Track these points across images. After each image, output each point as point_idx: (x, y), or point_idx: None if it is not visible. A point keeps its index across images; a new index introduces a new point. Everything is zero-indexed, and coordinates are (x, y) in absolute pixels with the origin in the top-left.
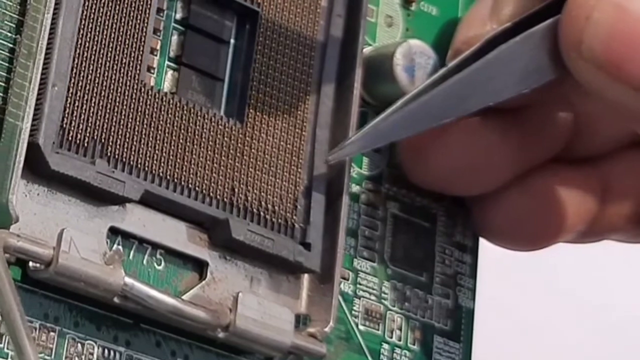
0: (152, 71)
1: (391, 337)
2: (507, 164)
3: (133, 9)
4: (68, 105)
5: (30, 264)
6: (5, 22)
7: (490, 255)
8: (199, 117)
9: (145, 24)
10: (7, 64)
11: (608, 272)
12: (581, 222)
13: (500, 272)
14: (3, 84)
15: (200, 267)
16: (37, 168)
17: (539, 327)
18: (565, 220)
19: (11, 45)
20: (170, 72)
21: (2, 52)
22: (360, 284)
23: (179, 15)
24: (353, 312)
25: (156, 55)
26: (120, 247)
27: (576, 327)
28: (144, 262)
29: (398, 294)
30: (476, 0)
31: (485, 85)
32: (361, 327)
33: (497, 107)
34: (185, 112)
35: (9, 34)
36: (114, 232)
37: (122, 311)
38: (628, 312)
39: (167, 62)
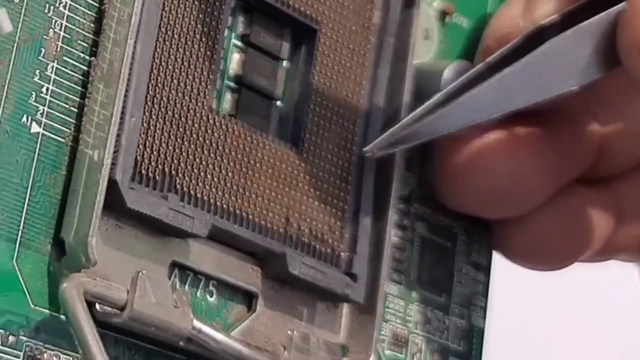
0: (216, 94)
1: None
2: (543, 186)
3: (205, 27)
4: (142, 136)
5: (98, 306)
6: (79, 41)
7: (501, 273)
8: (258, 142)
9: (215, 44)
10: (80, 88)
11: (622, 291)
12: (599, 242)
13: (511, 290)
14: (76, 110)
15: (249, 299)
16: (111, 204)
17: (549, 345)
18: (587, 241)
19: (85, 68)
20: (229, 93)
21: (75, 75)
22: (388, 307)
23: (239, 32)
24: (381, 337)
25: (219, 77)
26: (177, 281)
27: (586, 346)
28: (198, 294)
29: (421, 316)
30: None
31: (534, 80)
32: (387, 352)
33: (533, 127)
34: (246, 137)
35: (82, 55)
36: (172, 265)
37: (177, 348)
38: None
39: (226, 82)
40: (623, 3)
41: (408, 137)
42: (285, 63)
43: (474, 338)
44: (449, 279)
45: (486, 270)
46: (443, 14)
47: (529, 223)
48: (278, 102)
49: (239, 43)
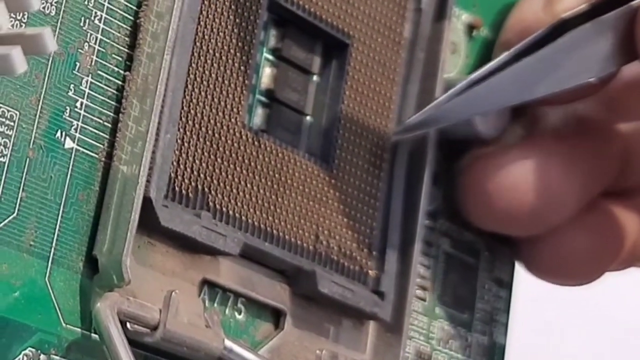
0: (247, 108)
1: None
2: (570, 202)
3: (239, 42)
4: (176, 152)
5: (129, 325)
6: (113, 55)
7: (522, 289)
8: (288, 159)
9: (249, 59)
10: (114, 103)
11: None
12: (624, 253)
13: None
14: (110, 125)
15: (277, 316)
16: (144, 222)
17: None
18: (613, 254)
19: (119, 83)
20: (260, 107)
21: (110, 89)
22: (412, 325)
23: (270, 46)
24: (405, 353)
25: (251, 91)
26: (206, 298)
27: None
28: (226, 312)
29: (444, 333)
30: None
31: (553, 70)
32: None
33: (559, 144)
34: (278, 153)
35: (117, 69)
36: (203, 283)
37: None
38: None
39: (257, 97)
40: None
41: (434, 119)
42: (315, 77)
43: (495, 355)
44: (471, 295)
45: (508, 286)
46: (471, 28)
47: (556, 239)
48: (308, 117)
49: (270, 57)
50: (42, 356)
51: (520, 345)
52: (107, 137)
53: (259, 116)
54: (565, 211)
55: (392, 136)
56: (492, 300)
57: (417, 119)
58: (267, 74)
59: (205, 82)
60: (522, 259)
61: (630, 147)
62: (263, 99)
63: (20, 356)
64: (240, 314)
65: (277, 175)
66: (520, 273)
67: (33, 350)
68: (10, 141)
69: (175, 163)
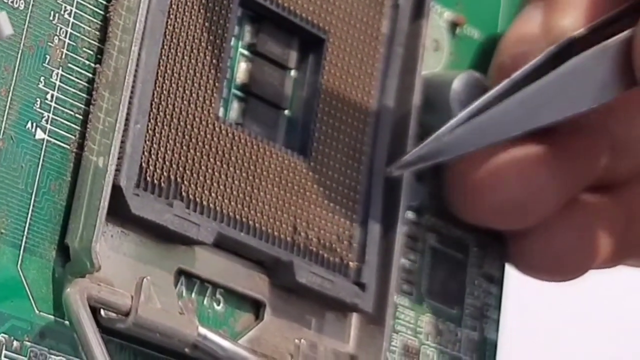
0: (222, 102)
1: None
2: (556, 196)
3: (211, 36)
4: (147, 143)
5: (103, 312)
6: (84, 49)
7: (514, 285)
8: (265, 151)
9: (222, 52)
10: (85, 95)
11: (633, 298)
12: (610, 249)
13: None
14: (81, 117)
15: (256, 307)
16: (115, 210)
17: (563, 357)
18: (599, 250)
19: (90, 75)
20: (236, 101)
21: (80, 81)
22: (398, 319)
23: (245, 42)
24: (391, 348)
25: (226, 85)
26: (183, 288)
27: (600, 357)
28: (204, 302)
29: (432, 327)
30: (520, 14)
31: (556, 98)
32: None
33: (545, 140)
34: (253, 145)
35: (87, 62)
36: (179, 273)
37: (182, 356)
38: None
39: (233, 91)
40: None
41: (434, 153)
42: (293, 72)
43: (486, 350)
44: (461, 290)
45: (499, 282)
46: (454, 25)
47: (542, 236)
48: (286, 111)
49: (245, 52)
50: (15, 342)
51: (513, 341)
52: (79, 128)
53: (234, 110)
54: (549, 205)
55: (392, 170)
56: (483, 296)
57: (417, 154)
58: (243, 68)
59: (176, 75)
60: (510, 256)
61: (616, 141)
62: (239, 93)
63: None
64: (219, 304)
65: (253, 168)
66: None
67: (6, 336)
68: None
69: (146, 153)
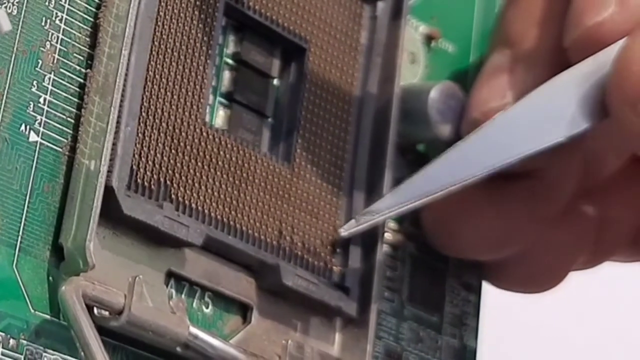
0: (208, 108)
1: None
2: (530, 230)
3: (197, 43)
4: (137, 145)
5: (96, 310)
6: (75, 54)
7: (492, 293)
8: (250, 157)
9: (207, 60)
10: (76, 99)
11: (616, 300)
12: (584, 254)
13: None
14: (72, 121)
15: (244, 310)
16: (107, 211)
17: None
18: (575, 259)
19: (81, 80)
20: (222, 108)
21: (72, 86)
22: (381, 325)
23: (230, 50)
24: (375, 353)
25: (211, 92)
26: (173, 291)
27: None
28: (194, 305)
29: (413, 334)
30: (488, 62)
31: (521, 131)
32: None
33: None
34: (239, 151)
35: (78, 67)
36: (168, 275)
37: (174, 356)
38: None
39: (218, 99)
40: (612, 57)
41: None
42: (275, 81)
43: (466, 358)
44: (440, 298)
45: (477, 290)
46: (429, 39)
47: (515, 259)
48: (269, 119)
49: (230, 61)
50: (11, 340)
51: (492, 349)
52: (71, 132)
53: (220, 117)
54: (523, 238)
55: (340, 230)
56: (461, 304)
57: (385, 202)
58: (227, 77)
59: (164, 80)
60: (484, 273)
61: (590, 147)
62: (224, 100)
63: None
64: (207, 307)
65: (239, 172)
66: None
67: (3, 334)
68: None
69: (137, 155)
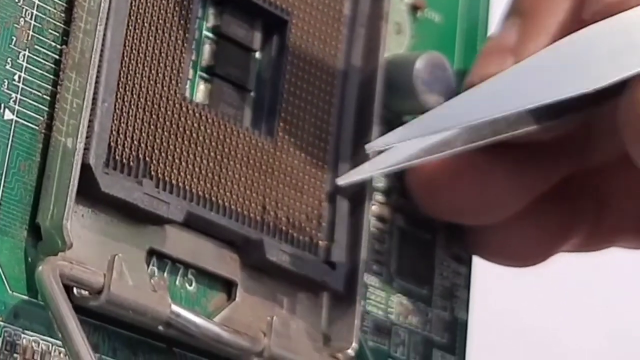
0: (188, 83)
1: (396, 352)
2: (517, 198)
3: (175, 17)
4: (115, 122)
5: (75, 290)
6: (50, 30)
7: (483, 265)
8: (232, 132)
9: (186, 34)
10: (52, 76)
11: (608, 279)
12: (579, 235)
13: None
14: (48, 98)
15: (228, 287)
16: (85, 189)
17: (535, 336)
18: (565, 238)
19: (56, 57)
20: (202, 83)
21: (47, 63)
22: (369, 299)
23: (210, 24)
24: (363, 327)
25: (191, 66)
26: (155, 269)
27: (574, 336)
28: (177, 282)
29: (403, 308)
30: (500, 27)
31: (549, 78)
32: (370, 343)
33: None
34: (220, 125)
35: (53, 44)
36: (150, 253)
37: (156, 335)
38: (628, 319)
39: (199, 73)
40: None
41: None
42: (257, 54)
43: (457, 330)
44: (430, 271)
45: (467, 263)
46: (414, 8)
47: (502, 230)
48: (251, 93)
49: (210, 34)
50: None
51: (483, 320)
52: (47, 109)
53: (201, 91)
54: (507, 209)
55: (337, 180)
56: (451, 276)
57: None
58: (207, 50)
59: (141, 55)
60: (471, 245)
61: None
62: (205, 75)
63: None
64: (191, 285)
65: (221, 147)
66: None
67: None
68: None
69: (115, 132)
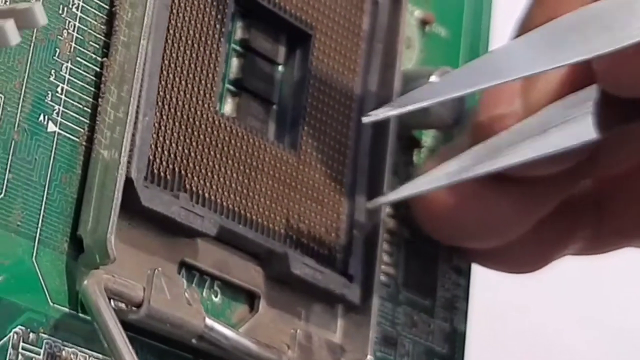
0: (219, 96)
1: None
2: (522, 224)
3: (209, 30)
4: (154, 135)
5: (112, 302)
6: (91, 42)
7: (481, 276)
8: (259, 145)
9: (219, 47)
10: (93, 89)
11: (606, 286)
12: (579, 241)
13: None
14: (89, 110)
15: (251, 299)
16: (126, 203)
17: (533, 345)
18: (564, 246)
19: (97, 69)
20: (229, 96)
21: (88, 75)
22: (378, 310)
23: (237, 37)
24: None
25: (222, 80)
26: (184, 281)
27: (568, 346)
28: (203, 294)
29: (408, 319)
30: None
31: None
32: (378, 354)
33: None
34: (249, 139)
35: (94, 56)
36: (181, 265)
37: (184, 346)
38: (624, 326)
39: (227, 86)
40: None
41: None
42: (281, 67)
43: (456, 341)
44: (433, 282)
45: (466, 274)
46: (423, 23)
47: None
48: (275, 106)
49: (237, 47)
50: (31, 334)
51: (480, 331)
52: (87, 121)
53: (229, 104)
54: (510, 234)
55: (367, 205)
56: (452, 287)
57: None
58: (235, 64)
59: (179, 69)
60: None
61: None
62: (232, 88)
63: (11, 334)
64: (216, 296)
65: (249, 161)
66: None
67: (23, 328)
68: None
69: (153, 146)
